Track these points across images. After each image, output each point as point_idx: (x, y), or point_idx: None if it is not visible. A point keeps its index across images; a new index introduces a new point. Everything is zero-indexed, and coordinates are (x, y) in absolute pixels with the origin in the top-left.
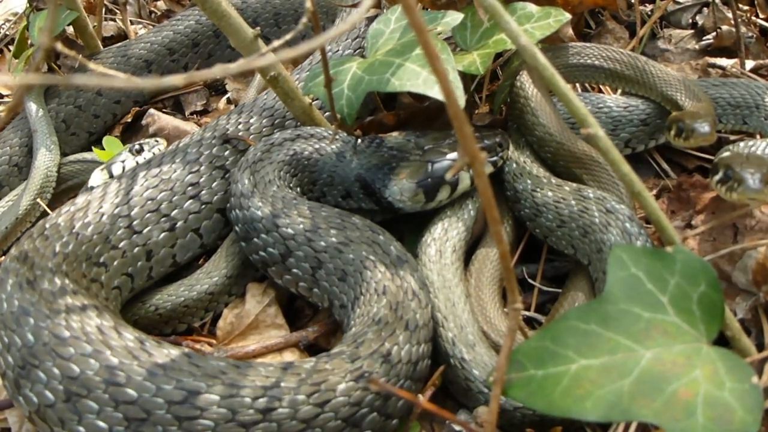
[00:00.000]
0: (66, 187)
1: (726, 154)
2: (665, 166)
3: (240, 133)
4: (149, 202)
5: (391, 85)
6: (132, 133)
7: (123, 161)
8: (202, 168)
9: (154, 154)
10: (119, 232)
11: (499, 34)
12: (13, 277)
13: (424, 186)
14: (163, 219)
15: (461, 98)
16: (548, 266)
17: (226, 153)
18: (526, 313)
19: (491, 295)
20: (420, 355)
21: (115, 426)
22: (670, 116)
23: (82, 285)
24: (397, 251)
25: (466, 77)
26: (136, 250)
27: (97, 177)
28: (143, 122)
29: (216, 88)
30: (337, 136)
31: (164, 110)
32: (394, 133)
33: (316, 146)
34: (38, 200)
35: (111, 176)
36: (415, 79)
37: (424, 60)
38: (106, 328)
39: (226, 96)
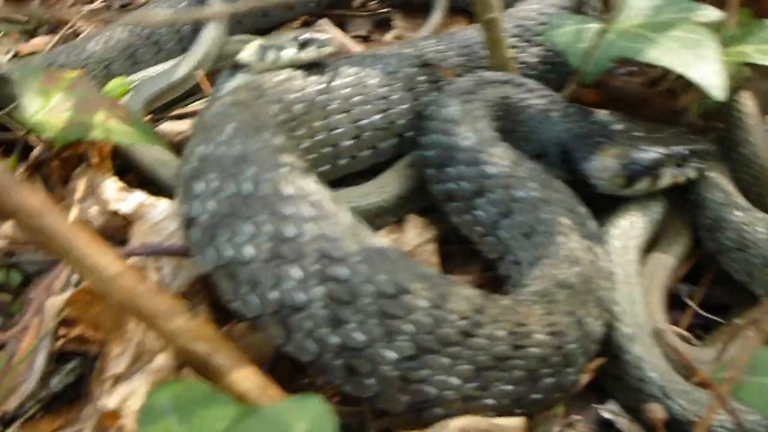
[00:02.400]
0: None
1: None
2: None
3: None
4: (345, 101)
5: (646, 56)
6: None
7: (282, 48)
8: (397, 85)
9: (320, 54)
10: (316, 123)
11: (742, 46)
12: (235, 122)
13: (628, 170)
14: (353, 124)
15: (720, 92)
16: (710, 293)
17: (422, 78)
18: (678, 329)
19: (659, 301)
20: (601, 337)
21: (314, 301)
22: None
23: (292, 148)
24: (595, 228)
25: None
26: (327, 149)
27: (248, 51)
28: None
29: (381, 21)
30: (549, 94)
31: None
32: (604, 111)
33: (525, 96)
34: (197, 72)
35: (262, 58)
36: (674, 57)
37: (685, 42)
38: (325, 198)
39: (393, 32)
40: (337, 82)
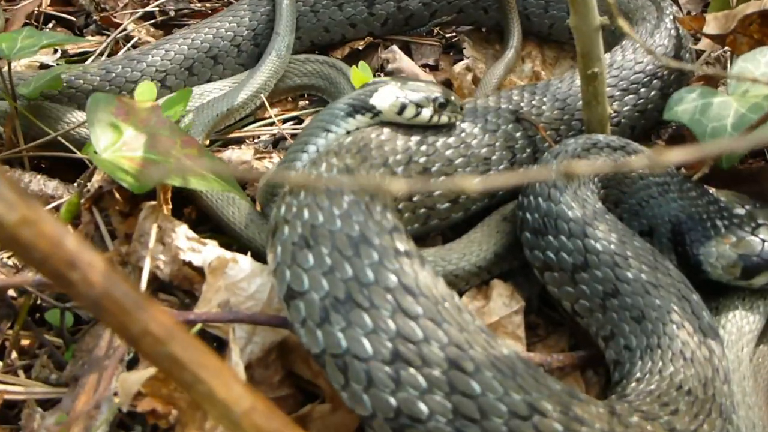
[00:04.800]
0: (287, 87)
1: None
2: None
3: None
4: (447, 163)
5: None
6: (358, 60)
7: (420, 107)
8: (497, 144)
9: (453, 119)
10: (417, 186)
11: None
12: (350, 194)
13: (747, 262)
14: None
15: None
16: None
17: (518, 134)
18: None
19: (766, 397)
20: None
21: (438, 415)
22: None
23: (403, 229)
24: (710, 319)
25: None
26: (422, 210)
27: (385, 98)
28: (382, 55)
29: (450, 47)
30: (665, 165)
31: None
32: (727, 192)
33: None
34: (260, 95)
35: (401, 111)
36: None
37: None
38: (447, 295)
39: (464, 62)
40: (440, 143)
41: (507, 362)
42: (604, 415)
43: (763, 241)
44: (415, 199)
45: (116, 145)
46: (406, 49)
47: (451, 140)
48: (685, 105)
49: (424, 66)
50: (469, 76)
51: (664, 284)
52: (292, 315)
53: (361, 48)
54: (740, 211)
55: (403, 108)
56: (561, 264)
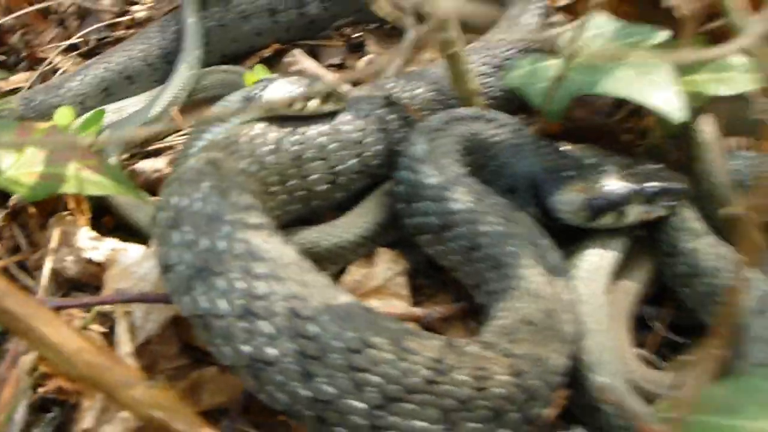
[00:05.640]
0: (198, 98)
1: None
2: None
3: (404, 101)
4: (321, 149)
5: (603, 88)
6: (268, 66)
7: (308, 99)
8: (370, 127)
9: (334, 108)
10: (291, 171)
11: (695, 75)
12: (210, 180)
13: (593, 205)
14: (328, 170)
15: (683, 114)
16: (678, 313)
17: (391, 117)
18: (643, 352)
19: (623, 326)
20: (564, 369)
21: (285, 356)
22: None
23: (259, 207)
24: (557, 260)
25: None
26: (299, 193)
27: (276, 93)
28: (285, 60)
29: (354, 46)
30: (520, 129)
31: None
32: (578, 146)
33: (496, 132)
34: (171, 109)
35: (290, 104)
36: (630, 85)
37: (639, 69)
38: (293, 258)
39: (367, 57)
40: (312, 131)
41: (344, 308)
42: (438, 347)
43: (606, 185)
44: (289, 183)
45: (18, 163)
46: (313, 52)
47: (324, 128)
48: (518, 71)
49: (330, 66)
50: (372, 71)
51: (517, 234)
52: (167, 287)
53: (268, 55)
54: (589, 161)
55: (292, 101)
56: (428, 227)
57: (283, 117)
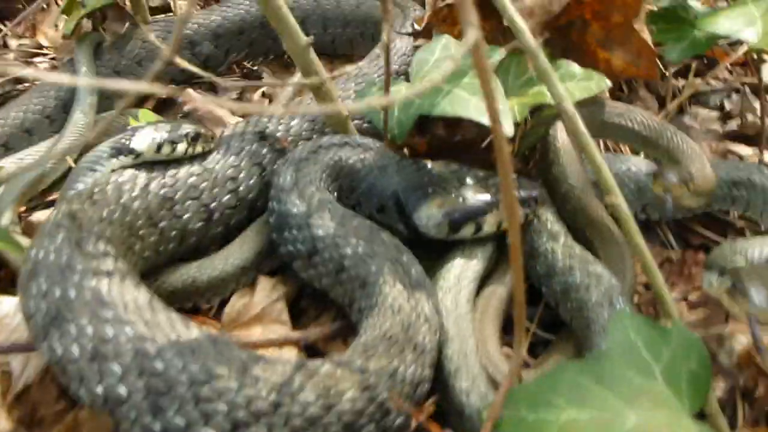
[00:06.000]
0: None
1: (736, 260)
2: (670, 237)
3: (279, 134)
4: (192, 189)
5: (441, 109)
6: (165, 108)
7: (175, 143)
8: (243, 163)
9: (203, 149)
10: (161, 213)
11: (540, 86)
12: (64, 233)
13: (451, 219)
14: (202, 208)
15: (510, 129)
16: (546, 312)
17: (264, 150)
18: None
19: (492, 331)
20: (422, 378)
21: (135, 393)
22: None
23: (120, 252)
24: (417, 274)
25: None
26: (173, 233)
27: (142, 141)
28: (179, 100)
29: (252, 78)
30: (384, 151)
31: (199, 92)
32: (441, 162)
33: (362, 156)
34: (66, 159)
35: (159, 149)
36: (466, 105)
37: (474, 88)
38: (143, 301)
39: (261, 90)
40: (182, 174)
41: (191, 343)
42: (286, 371)
43: (462, 197)
44: (161, 224)
45: None
46: (213, 88)
47: (194, 168)
48: (367, 93)
49: (229, 100)
50: (266, 102)
51: (379, 253)
52: (30, 335)
53: (164, 97)
54: (449, 176)
55: (159, 147)
56: (298, 253)
57: (154, 162)
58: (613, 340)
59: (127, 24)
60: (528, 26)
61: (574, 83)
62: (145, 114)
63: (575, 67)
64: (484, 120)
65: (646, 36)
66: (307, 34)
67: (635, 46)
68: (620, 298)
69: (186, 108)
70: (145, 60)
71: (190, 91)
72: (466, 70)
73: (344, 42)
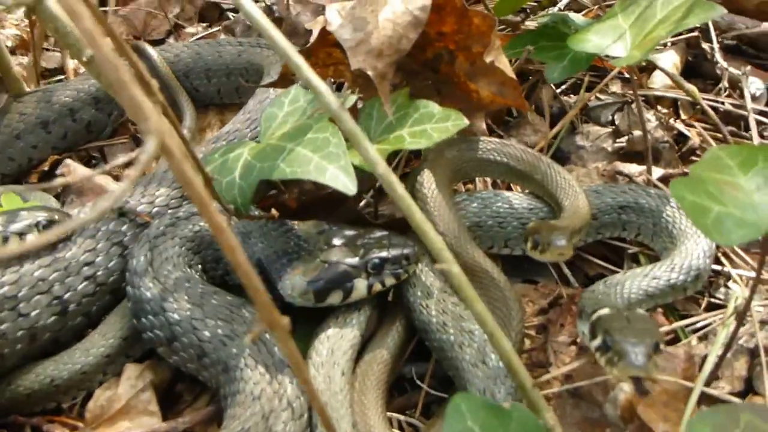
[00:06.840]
0: None
1: (602, 312)
2: (566, 270)
3: (141, 207)
4: (40, 282)
5: (281, 172)
6: (50, 180)
7: (25, 234)
8: (100, 245)
9: (58, 235)
10: (2, 315)
11: (400, 130)
12: None
13: (315, 287)
14: (54, 301)
15: (352, 188)
16: (438, 367)
17: (124, 228)
18: (411, 419)
19: (374, 399)
20: None
21: None
22: (528, 227)
23: None
24: (281, 353)
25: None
26: (19, 333)
27: None
28: (57, 171)
29: (141, 141)
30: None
31: (92, 157)
32: (309, 222)
33: None
34: None
35: (5, 242)
36: (306, 165)
37: (316, 144)
38: None
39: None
40: (27, 267)
41: None
42: None
43: (327, 263)
44: (3, 327)
45: None
46: (102, 152)
47: (42, 260)
48: (211, 164)
49: (116, 166)
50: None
51: (239, 333)
52: None
53: (47, 169)
54: (315, 237)
55: (5, 240)
56: (158, 339)
57: None
58: (450, 428)
59: (6, 96)
60: (380, 68)
61: (432, 124)
62: (9, 198)
63: (434, 108)
64: (324, 179)
65: (504, 64)
66: (192, 86)
67: (498, 77)
68: (492, 355)
69: (65, 180)
70: (23, 132)
71: (68, 161)
72: (312, 124)
73: (230, 91)
